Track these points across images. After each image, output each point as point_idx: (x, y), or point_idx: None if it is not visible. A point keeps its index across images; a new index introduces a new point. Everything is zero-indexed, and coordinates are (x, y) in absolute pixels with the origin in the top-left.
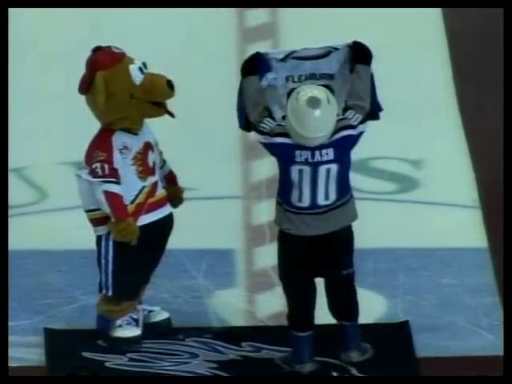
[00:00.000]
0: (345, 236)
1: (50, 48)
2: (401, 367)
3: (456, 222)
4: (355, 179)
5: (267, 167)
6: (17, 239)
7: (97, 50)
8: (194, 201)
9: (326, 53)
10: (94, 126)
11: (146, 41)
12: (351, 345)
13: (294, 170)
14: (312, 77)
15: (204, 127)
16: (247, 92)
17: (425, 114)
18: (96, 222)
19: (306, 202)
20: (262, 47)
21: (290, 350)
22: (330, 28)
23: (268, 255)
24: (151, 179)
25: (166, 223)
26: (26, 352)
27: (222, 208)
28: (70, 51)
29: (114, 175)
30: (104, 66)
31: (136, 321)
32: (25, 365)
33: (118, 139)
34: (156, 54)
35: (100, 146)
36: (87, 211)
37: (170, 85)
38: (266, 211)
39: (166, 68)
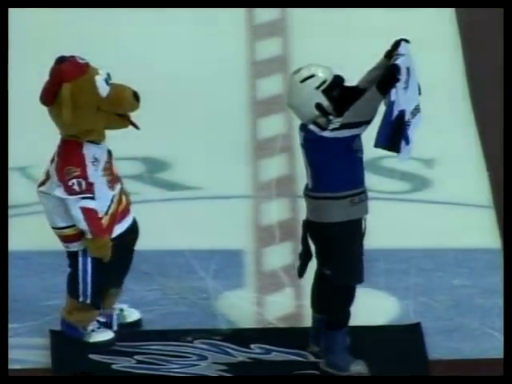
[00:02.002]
0: None
1: (49, 48)
2: (413, 370)
3: (469, 221)
4: (366, 178)
5: (277, 166)
6: (22, 239)
7: (61, 60)
8: (203, 200)
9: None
10: None
11: (153, 40)
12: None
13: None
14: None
15: (213, 126)
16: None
17: (437, 113)
18: (69, 238)
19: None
20: (272, 44)
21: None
22: (339, 24)
23: (277, 256)
24: (117, 187)
25: (133, 229)
26: (32, 354)
27: (231, 208)
28: (70, 51)
29: (90, 190)
30: (70, 77)
31: (104, 324)
32: (30, 367)
33: (89, 152)
34: (164, 52)
35: (73, 161)
36: (58, 228)
37: (135, 96)
38: (275, 211)
39: (175, 67)
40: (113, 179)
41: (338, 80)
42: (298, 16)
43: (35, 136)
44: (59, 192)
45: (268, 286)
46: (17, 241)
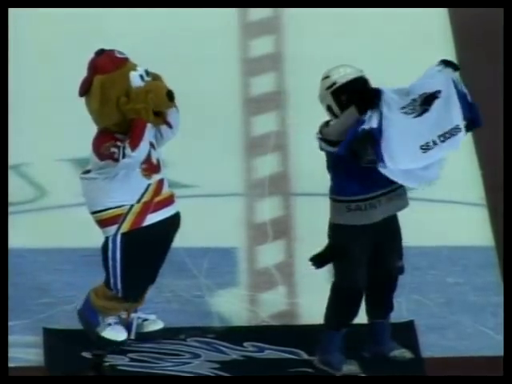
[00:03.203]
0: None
1: (49, 48)
2: (406, 367)
3: (462, 220)
4: None
5: (270, 164)
6: (15, 237)
7: (100, 53)
8: (196, 198)
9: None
10: (92, 123)
11: (147, 39)
12: (387, 342)
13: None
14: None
15: (206, 124)
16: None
17: None
18: (104, 222)
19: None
20: (265, 42)
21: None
22: (333, 22)
23: (271, 254)
24: (156, 177)
25: (173, 222)
26: (25, 352)
27: (224, 206)
28: (70, 51)
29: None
30: (103, 70)
31: (125, 323)
32: (24, 365)
33: (120, 138)
34: (157, 50)
35: (105, 141)
36: (94, 212)
37: (169, 95)
38: (268, 209)
39: (168, 65)
40: (149, 168)
41: (353, 84)
42: (291, 14)
43: (33, 133)
44: (111, 167)
45: (261, 283)
46: (10, 238)
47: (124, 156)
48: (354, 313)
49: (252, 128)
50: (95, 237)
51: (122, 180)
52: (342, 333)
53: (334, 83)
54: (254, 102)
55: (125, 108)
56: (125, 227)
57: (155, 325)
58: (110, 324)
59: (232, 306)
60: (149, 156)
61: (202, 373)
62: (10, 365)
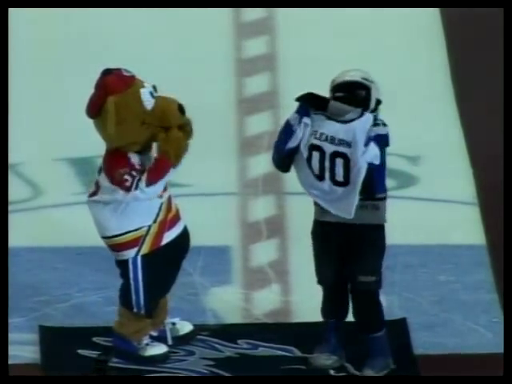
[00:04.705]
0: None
1: (49, 48)
2: (398, 364)
3: (454, 218)
4: None
5: (263, 163)
6: (11, 236)
7: (107, 72)
8: (191, 197)
9: (358, 115)
10: (89, 122)
11: (144, 39)
12: (368, 359)
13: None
14: (332, 140)
15: (201, 124)
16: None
17: (423, 111)
18: (122, 246)
19: None
20: (259, 42)
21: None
22: (326, 23)
23: (264, 252)
24: (165, 195)
25: (185, 235)
26: (21, 350)
27: (218, 204)
28: (69, 51)
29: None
30: (115, 90)
31: (157, 338)
32: (20, 362)
33: (134, 159)
34: (152, 51)
35: (119, 165)
36: (110, 237)
37: (181, 109)
38: (262, 208)
39: (162, 65)
40: None
41: (344, 86)
42: (285, 14)
43: (30, 132)
44: (120, 195)
45: (255, 282)
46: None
47: (137, 188)
48: (327, 308)
49: (246, 128)
50: (90, 235)
51: (138, 202)
52: (329, 324)
53: (333, 81)
54: (247, 102)
55: (147, 131)
56: (145, 249)
57: (186, 327)
58: (147, 344)
59: (226, 303)
60: None
61: (196, 370)
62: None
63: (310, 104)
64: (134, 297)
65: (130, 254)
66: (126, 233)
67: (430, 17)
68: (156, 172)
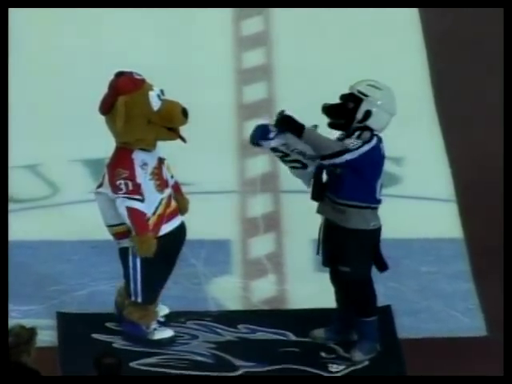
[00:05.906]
0: None
1: (49, 48)
2: (384, 347)
3: (434, 214)
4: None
5: (261, 164)
6: (31, 231)
7: (119, 74)
8: (194, 195)
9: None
10: (103, 126)
11: (146, 42)
12: (357, 342)
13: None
14: (301, 153)
15: (203, 128)
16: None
17: (405, 116)
18: (119, 235)
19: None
20: (257, 54)
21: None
22: (320, 36)
23: (262, 245)
24: (167, 191)
25: (181, 231)
26: (41, 334)
27: (219, 202)
28: (70, 51)
29: (137, 192)
30: (126, 91)
31: (162, 323)
32: (38, 346)
33: (138, 157)
34: (156, 55)
35: (122, 164)
36: (109, 226)
37: (184, 113)
38: (260, 205)
39: (165, 68)
40: (161, 183)
41: (347, 97)
42: (281, 28)
43: (48, 135)
44: (110, 191)
45: (253, 272)
46: (24, 231)
47: (124, 194)
48: (337, 297)
49: (245, 132)
50: (104, 230)
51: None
52: (336, 312)
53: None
54: (246, 108)
55: (153, 130)
56: None
57: (162, 311)
58: (155, 329)
59: (227, 292)
60: (161, 172)
61: (199, 352)
62: None
63: (286, 128)
64: (132, 285)
65: (129, 242)
66: (124, 223)
67: (412, 19)
68: (134, 220)
